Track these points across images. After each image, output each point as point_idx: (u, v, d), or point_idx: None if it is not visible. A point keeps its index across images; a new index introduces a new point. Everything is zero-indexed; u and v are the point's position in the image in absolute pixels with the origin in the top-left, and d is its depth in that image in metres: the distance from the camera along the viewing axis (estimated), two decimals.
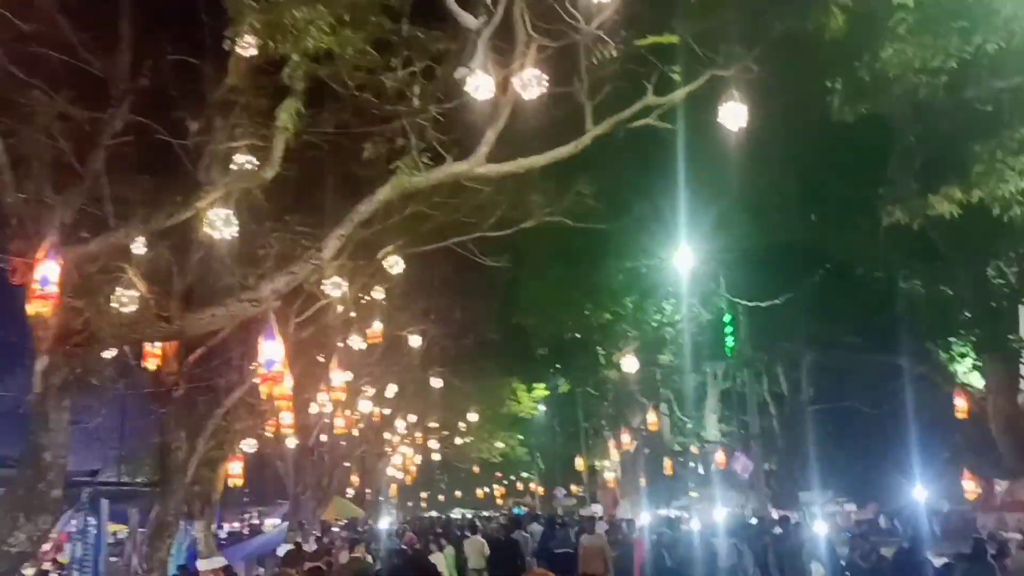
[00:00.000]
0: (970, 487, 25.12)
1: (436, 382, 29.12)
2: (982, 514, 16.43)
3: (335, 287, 13.41)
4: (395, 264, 14.81)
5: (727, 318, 20.63)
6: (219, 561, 15.45)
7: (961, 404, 20.83)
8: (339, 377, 15.23)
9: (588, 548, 15.52)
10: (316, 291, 13.97)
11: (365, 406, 25.39)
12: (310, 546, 20.92)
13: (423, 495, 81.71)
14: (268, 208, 11.98)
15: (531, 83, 8.74)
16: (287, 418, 16.78)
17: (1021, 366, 19.94)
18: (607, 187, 15.12)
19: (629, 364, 18.59)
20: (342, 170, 12.60)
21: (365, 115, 11.06)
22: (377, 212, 14.24)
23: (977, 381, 21.51)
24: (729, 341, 20.61)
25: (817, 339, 22.68)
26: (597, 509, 35.49)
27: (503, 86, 8.98)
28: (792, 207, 17.87)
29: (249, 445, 21.47)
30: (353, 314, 16.60)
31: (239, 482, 16.96)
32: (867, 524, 24.79)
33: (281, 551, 20.06)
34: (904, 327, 22.64)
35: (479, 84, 8.59)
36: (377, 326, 24.89)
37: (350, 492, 39.95)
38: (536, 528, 21.20)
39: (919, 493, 27.77)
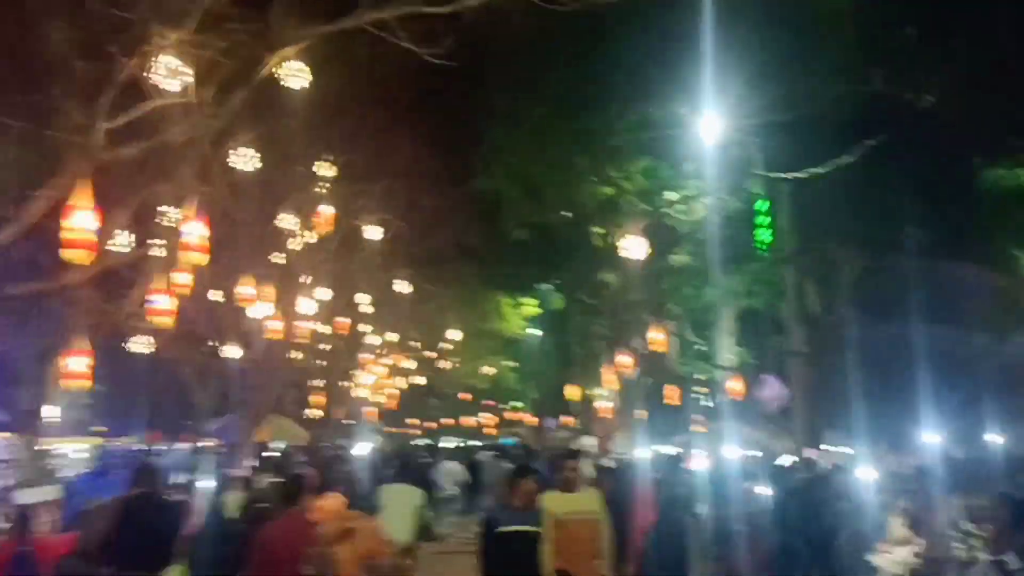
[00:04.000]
0: None
1: (403, 287, 24.65)
2: None
3: (169, 75, 8.60)
4: (298, 72, 10.15)
5: (762, 205, 15.89)
6: (48, 492, 11.18)
7: None
8: (197, 229, 10.48)
9: (568, 521, 7.55)
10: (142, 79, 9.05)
11: (309, 307, 20.88)
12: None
13: (413, 421, 78.39)
14: None
15: None
16: (158, 301, 12.24)
17: None
18: None
19: (636, 247, 13.79)
20: None
21: None
22: None
23: None
24: (763, 235, 15.91)
25: (868, 240, 18.01)
26: (588, 443, 31.34)
27: None
28: (858, 48, 13.17)
29: (143, 344, 17.18)
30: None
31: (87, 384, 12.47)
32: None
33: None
34: (980, 228, 18.13)
35: None
36: (327, 210, 20.50)
37: (317, 414, 35.89)
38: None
39: (930, 437, 23.80)
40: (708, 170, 14.95)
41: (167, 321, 12.94)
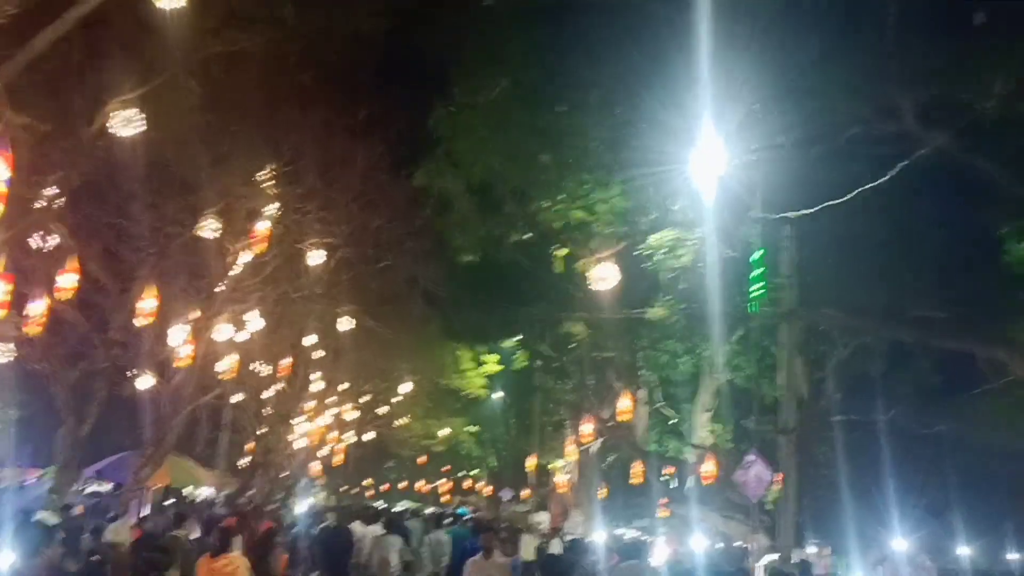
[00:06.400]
0: None
1: (346, 323, 21.94)
2: None
3: None
4: None
5: (758, 254, 13.51)
6: None
7: None
8: None
9: None
10: None
11: (226, 332, 18.05)
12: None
13: (367, 482, 74.57)
14: None
15: None
16: None
17: None
18: None
19: (604, 275, 11.14)
20: None
21: None
22: None
23: None
24: (757, 291, 13.47)
25: (866, 309, 15.64)
26: (541, 519, 28.45)
27: None
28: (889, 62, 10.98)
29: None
30: None
31: None
32: None
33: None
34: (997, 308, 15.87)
35: None
36: (261, 226, 18.01)
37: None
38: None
39: (899, 543, 21.36)
40: (698, 203, 12.59)
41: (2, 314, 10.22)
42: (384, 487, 74.80)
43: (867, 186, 10.75)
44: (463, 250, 13.65)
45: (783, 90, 11.76)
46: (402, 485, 73.76)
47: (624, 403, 20.63)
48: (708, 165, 11.79)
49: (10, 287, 9.98)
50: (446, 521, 19.12)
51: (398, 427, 42.98)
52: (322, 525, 16.01)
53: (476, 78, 12.62)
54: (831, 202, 11.14)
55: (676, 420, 22.95)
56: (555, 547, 16.79)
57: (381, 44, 13.88)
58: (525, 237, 13.40)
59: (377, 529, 15.36)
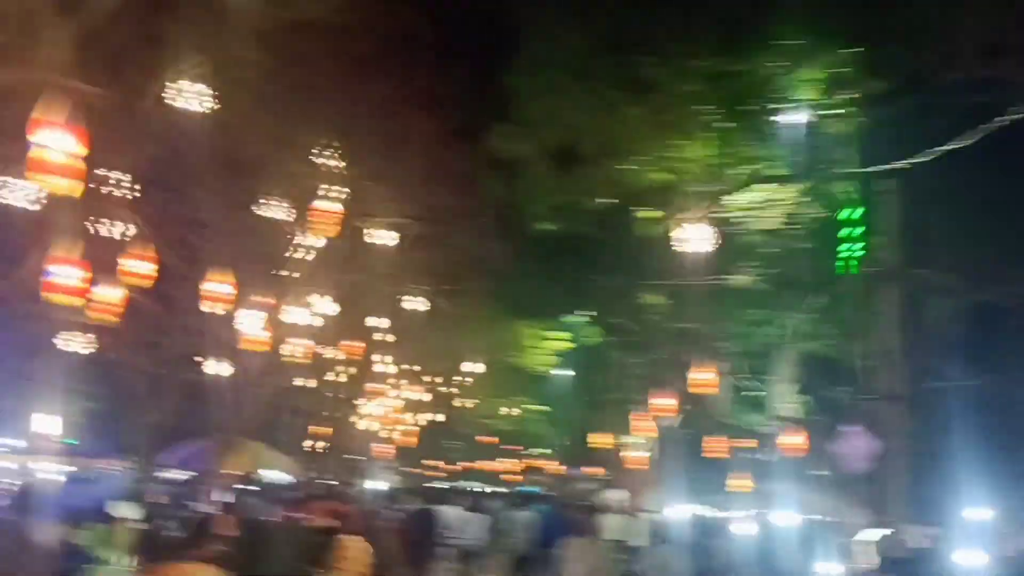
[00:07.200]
0: None
1: (417, 304, 21.53)
2: None
3: None
4: None
5: (858, 212, 12.64)
6: None
7: None
8: (59, 141, 7.23)
9: None
10: None
11: (303, 317, 17.75)
12: None
13: (434, 463, 74.80)
14: None
15: None
16: (59, 273, 9.18)
17: None
18: None
19: (694, 236, 10.35)
20: None
21: None
22: None
23: None
24: (855, 249, 12.62)
25: (975, 269, 14.70)
26: (616, 497, 27.80)
27: None
28: None
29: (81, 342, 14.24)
30: None
31: None
32: None
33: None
34: None
35: None
36: (331, 207, 17.63)
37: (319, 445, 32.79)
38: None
39: (981, 514, 20.20)
40: (790, 160, 11.79)
41: (67, 300, 9.85)
42: (452, 467, 74.96)
43: (990, 123, 9.84)
44: (537, 218, 13.03)
45: (882, 31, 10.93)
46: (470, 465, 73.85)
47: (704, 375, 19.84)
48: (800, 118, 11.09)
49: (86, 275, 9.64)
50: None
51: (466, 407, 42.75)
52: (413, 507, 16.32)
53: (552, 33, 11.99)
54: (943, 148, 10.27)
55: (757, 392, 22.15)
56: (638, 525, 16.32)
57: (444, 9, 13.34)
58: (603, 201, 12.71)
59: (458, 510, 15.74)
